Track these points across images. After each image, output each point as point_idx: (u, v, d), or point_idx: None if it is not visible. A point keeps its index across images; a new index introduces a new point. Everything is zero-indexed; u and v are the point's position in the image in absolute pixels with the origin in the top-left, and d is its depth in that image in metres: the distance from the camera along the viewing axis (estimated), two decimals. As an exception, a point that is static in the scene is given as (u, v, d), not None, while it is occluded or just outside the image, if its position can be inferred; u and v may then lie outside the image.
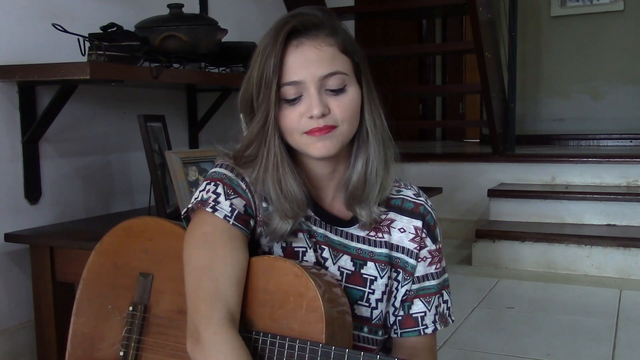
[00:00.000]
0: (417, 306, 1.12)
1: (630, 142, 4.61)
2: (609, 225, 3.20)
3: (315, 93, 1.00)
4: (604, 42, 4.88)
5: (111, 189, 2.28)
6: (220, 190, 1.04)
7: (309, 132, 1.01)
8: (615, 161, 3.47)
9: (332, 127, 1.01)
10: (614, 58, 4.86)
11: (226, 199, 1.03)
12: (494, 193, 3.44)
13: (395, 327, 1.14)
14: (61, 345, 1.80)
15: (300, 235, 1.09)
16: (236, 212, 1.03)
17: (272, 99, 1.00)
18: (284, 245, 1.09)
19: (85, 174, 2.18)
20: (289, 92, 1.01)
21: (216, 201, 1.03)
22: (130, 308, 1.11)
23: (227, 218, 1.02)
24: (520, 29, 4.12)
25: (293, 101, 1.01)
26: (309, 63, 1.00)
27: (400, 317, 1.13)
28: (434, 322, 1.13)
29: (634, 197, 3.19)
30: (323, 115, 1.00)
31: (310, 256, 1.09)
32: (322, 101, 1.00)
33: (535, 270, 3.09)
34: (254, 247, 1.09)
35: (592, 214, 3.25)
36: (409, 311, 1.12)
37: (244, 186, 1.05)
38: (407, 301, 1.13)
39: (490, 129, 3.70)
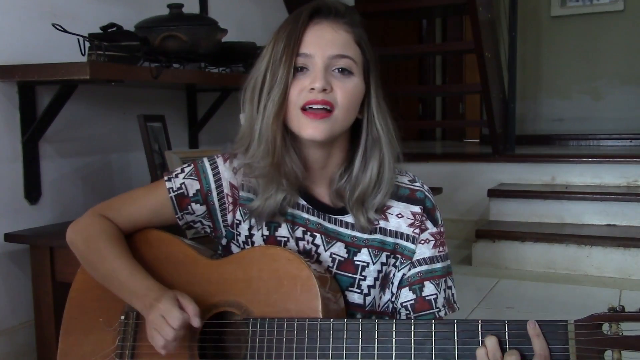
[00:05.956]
0: (429, 288, 1.11)
1: (630, 142, 4.60)
2: (609, 225, 3.20)
3: (322, 68, 1.01)
4: (604, 42, 4.87)
5: (111, 189, 2.28)
6: (187, 169, 1.15)
7: (305, 109, 1.01)
8: (615, 161, 3.47)
9: (330, 108, 1.01)
10: (614, 58, 4.85)
11: (183, 178, 1.13)
12: (494, 193, 3.44)
13: (407, 312, 1.12)
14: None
15: (284, 225, 1.10)
16: (181, 191, 1.13)
17: (291, 66, 1.01)
18: (266, 234, 1.10)
19: (85, 174, 2.18)
20: (297, 61, 1.02)
21: (176, 176, 1.14)
22: (123, 317, 1.10)
23: (170, 190, 1.13)
24: (520, 29, 4.11)
25: (298, 71, 1.02)
26: (322, 40, 1.03)
27: (412, 301, 1.11)
28: (444, 306, 1.12)
29: (634, 197, 3.19)
30: (324, 90, 1.01)
31: (292, 245, 1.10)
32: (326, 78, 1.01)
33: (535, 270, 3.09)
34: (231, 238, 1.13)
35: (592, 214, 3.24)
36: (421, 294, 1.11)
37: (211, 176, 1.12)
38: (416, 284, 1.11)
39: (490, 129, 3.70)
